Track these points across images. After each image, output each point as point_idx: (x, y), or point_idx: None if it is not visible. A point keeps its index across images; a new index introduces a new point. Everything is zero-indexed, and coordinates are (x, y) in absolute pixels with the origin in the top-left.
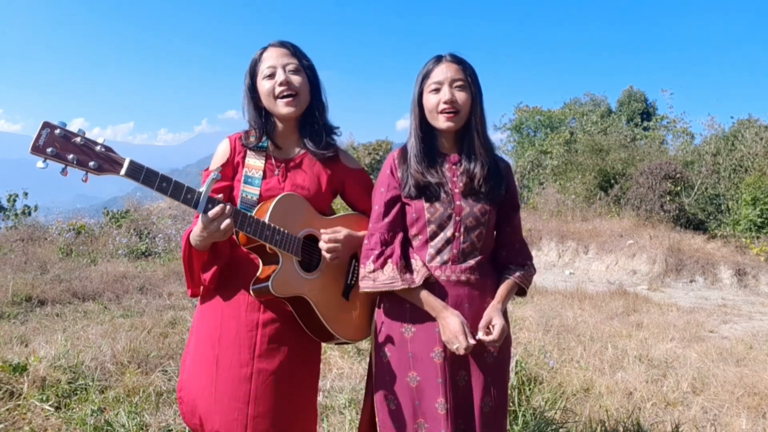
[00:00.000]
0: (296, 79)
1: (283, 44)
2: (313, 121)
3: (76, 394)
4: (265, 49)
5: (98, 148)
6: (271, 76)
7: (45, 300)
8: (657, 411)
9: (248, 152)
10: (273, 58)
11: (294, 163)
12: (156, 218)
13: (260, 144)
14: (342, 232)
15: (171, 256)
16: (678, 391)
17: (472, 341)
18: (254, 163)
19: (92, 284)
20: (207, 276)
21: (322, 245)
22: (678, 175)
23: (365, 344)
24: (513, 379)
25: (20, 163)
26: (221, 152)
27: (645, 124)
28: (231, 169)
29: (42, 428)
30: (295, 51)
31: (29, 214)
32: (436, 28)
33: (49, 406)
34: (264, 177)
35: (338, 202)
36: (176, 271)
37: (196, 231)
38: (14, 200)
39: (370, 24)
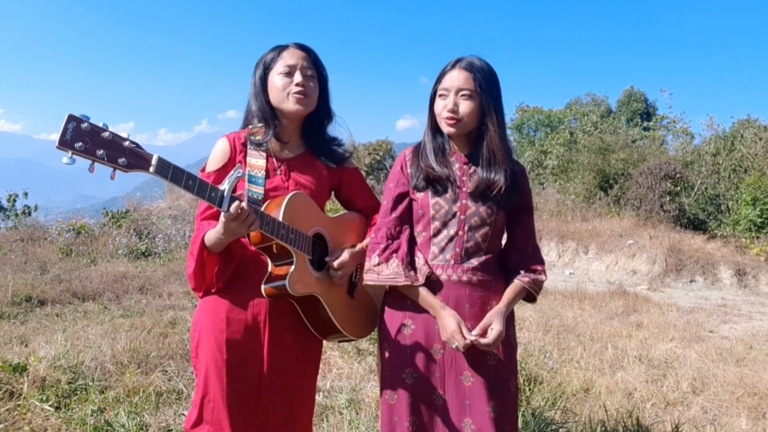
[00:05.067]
0: (311, 85)
1: (306, 49)
2: (316, 127)
3: (76, 394)
4: (285, 47)
5: (126, 143)
6: (289, 74)
7: (45, 300)
8: (657, 411)
9: (249, 151)
10: (294, 58)
11: (295, 162)
12: (156, 218)
13: (263, 144)
14: (346, 255)
15: (171, 256)
16: (678, 391)
17: (468, 339)
18: (256, 162)
19: (92, 284)
20: (222, 280)
21: (334, 273)
22: (678, 175)
23: (365, 344)
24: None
25: (20, 163)
26: (221, 152)
27: (645, 124)
28: (233, 168)
29: (42, 428)
30: (315, 60)
31: (29, 214)
32: (436, 28)
33: (49, 406)
34: (267, 176)
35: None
36: (176, 271)
37: (219, 229)
38: (14, 200)
39: (370, 24)
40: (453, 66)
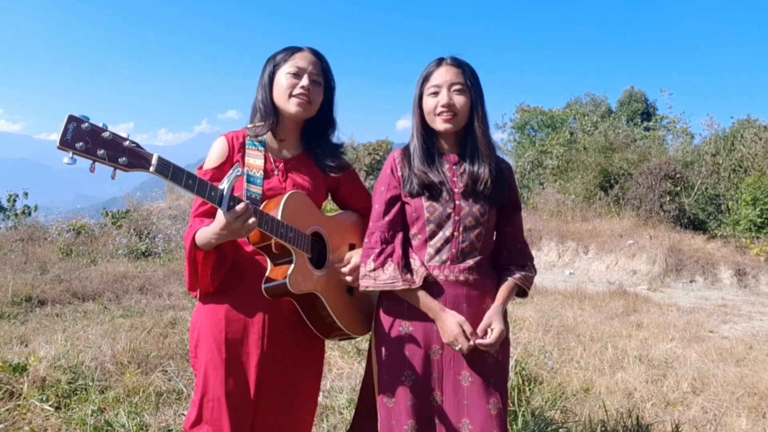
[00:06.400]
0: (315, 91)
1: (318, 55)
2: (317, 133)
3: (76, 394)
4: (299, 49)
5: (126, 143)
6: (296, 75)
7: (45, 300)
8: (657, 411)
9: (247, 151)
10: (305, 61)
11: (292, 162)
12: (156, 218)
13: (260, 141)
14: (354, 257)
15: (171, 256)
16: (678, 391)
17: (472, 342)
18: (255, 162)
19: (92, 284)
20: (217, 281)
21: (348, 278)
22: (678, 175)
23: (365, 344)
24: (513, 379)
25: (20, 163)
26: (218, 151)
27: (645, 124)
28: (231, 167)
29: (42, 428)
30: (325, 68)
31: (29, 214)
32: (436, 28)
33: (49, 406)
34: (265, 176)
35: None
36: (176, 271)
37: (215, 228)
38: (14, 200)
39: (370, 24)
40: (438, 64)
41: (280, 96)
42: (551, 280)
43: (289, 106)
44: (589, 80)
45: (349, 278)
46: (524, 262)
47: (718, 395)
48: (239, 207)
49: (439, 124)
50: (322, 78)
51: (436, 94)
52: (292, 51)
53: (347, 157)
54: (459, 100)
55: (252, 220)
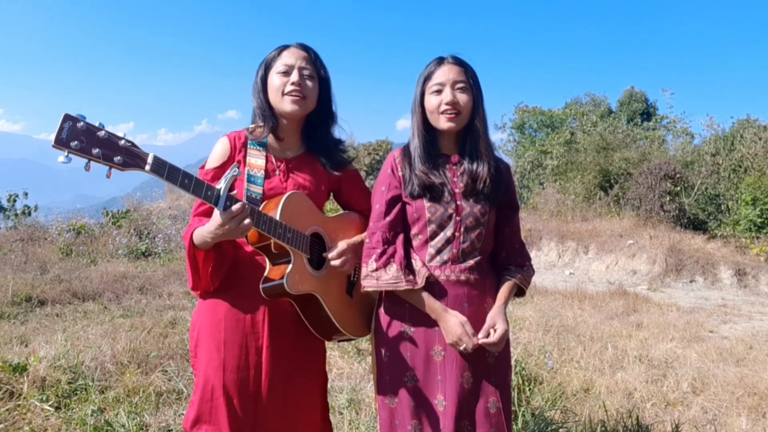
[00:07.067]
0: (308, 85)
1: (305, 48)
2: (317, 129)
3: (76, 394)
4: (286, 47)
5: (122, 142)
6: (286, 73)
7: (45, 300)
8: (657, 411)
9: (249, 151)
10: (292, 58)
11: (294, 162)
12: (156, 218)
13: (262, 141)
14: (343, 244)
15: (171, 256)
16: (678, 391)
17: (476, 339)
18: (256, 162)
19: (92, 284)
20: (217, 280)
21: (335, 263)
22: (678, 175)
23: (365, 344)
24: (513, 379)
25: (20, 163)
26: (220, 151)
27: (645, 124)
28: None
29: (42, 428)
30: (315, 59)
31: (29, 214)
32: (436, 28)
33: (49, 406)
34: (266, 176)
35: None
36: (176, 271)
37: (211, 227)
38: (14, 200)
39: (370, 24)
40: (440, 63)
41: (274, 97)
42: (551, 280)
43: (284, 105)
44: (589, 80)
45: (336, 262)
46: (522, 262)
47: (718, 395)
48: (235, 207)
49: (443, 123)
50: (314, 71)
51: (439, 92)
52: (280, 50)
53: (347, 155)
54: (462, 98)
55: (247, 221)
